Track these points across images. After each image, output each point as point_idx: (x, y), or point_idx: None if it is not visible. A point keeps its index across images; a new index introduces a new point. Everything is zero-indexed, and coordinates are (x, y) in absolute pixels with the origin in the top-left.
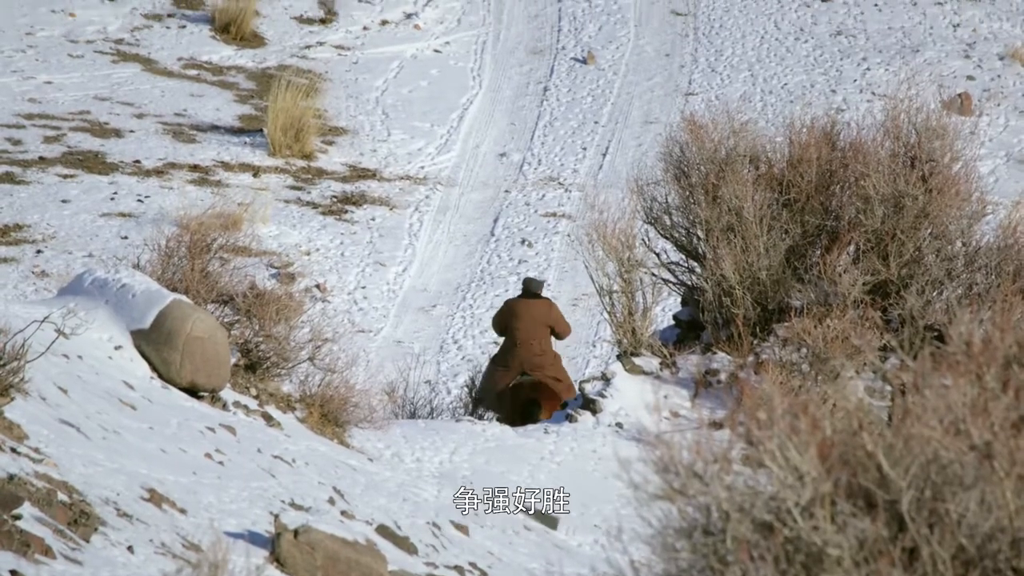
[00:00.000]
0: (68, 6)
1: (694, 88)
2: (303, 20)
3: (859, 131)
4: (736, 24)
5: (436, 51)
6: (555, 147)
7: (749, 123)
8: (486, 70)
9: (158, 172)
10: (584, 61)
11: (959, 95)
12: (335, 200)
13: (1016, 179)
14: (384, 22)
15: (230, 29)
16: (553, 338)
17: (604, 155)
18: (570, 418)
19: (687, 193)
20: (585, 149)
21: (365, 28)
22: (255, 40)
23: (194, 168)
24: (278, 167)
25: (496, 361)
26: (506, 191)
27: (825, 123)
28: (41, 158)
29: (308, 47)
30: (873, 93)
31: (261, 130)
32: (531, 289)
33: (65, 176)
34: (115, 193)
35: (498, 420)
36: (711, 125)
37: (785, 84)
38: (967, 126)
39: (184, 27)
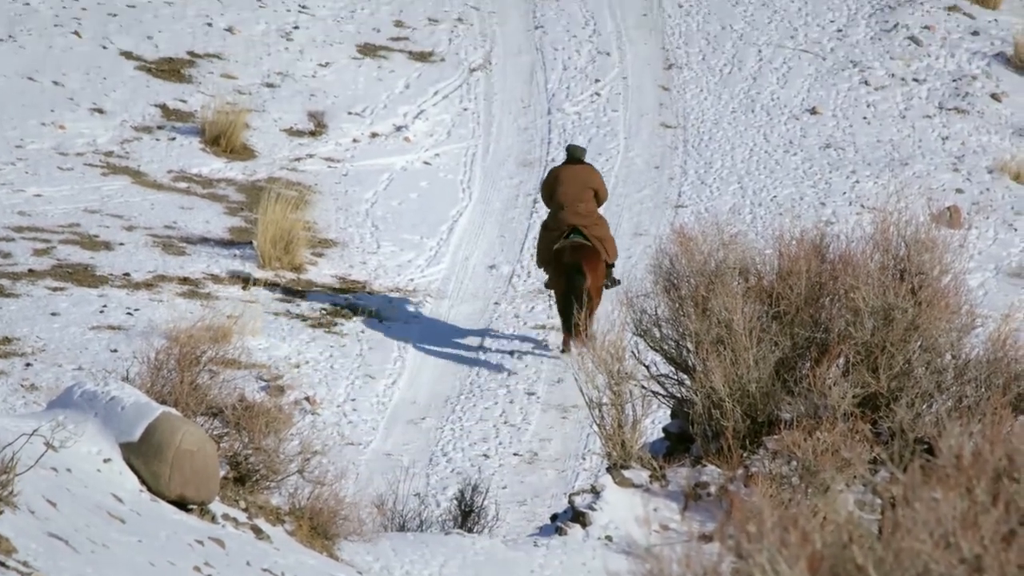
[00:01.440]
0: (58, 119)
1: (684, 200)
2: (293, 132)
3: (848, 244)
4: (725, 137)
5: (426, 163)
6: None
7: (739, 235)
8: (476, 182)
9: (148, 285)
10: None
11: (948, 208)
12: (324, 313)
13: (1005, 292)
14: (374, 134)
15: (220, 142)
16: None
17: None
18: (559, 531)
19: (677, 305)
20: None
21: (355, 140)
22: (245, 152)
23: (184, 280)
24: (268, 279)
25: (546, 226)
26: (496, 303)
27: (814, 235)
28: (31, 271)
29: (298, 159)
30: (862, 206)
31: (251, 242)
32: (574, 155)
33: (55, 289)
34: (105, 306)
35: (545, 285)
36: (701, 237)
37: (774, 196)
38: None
39: (174, 139)
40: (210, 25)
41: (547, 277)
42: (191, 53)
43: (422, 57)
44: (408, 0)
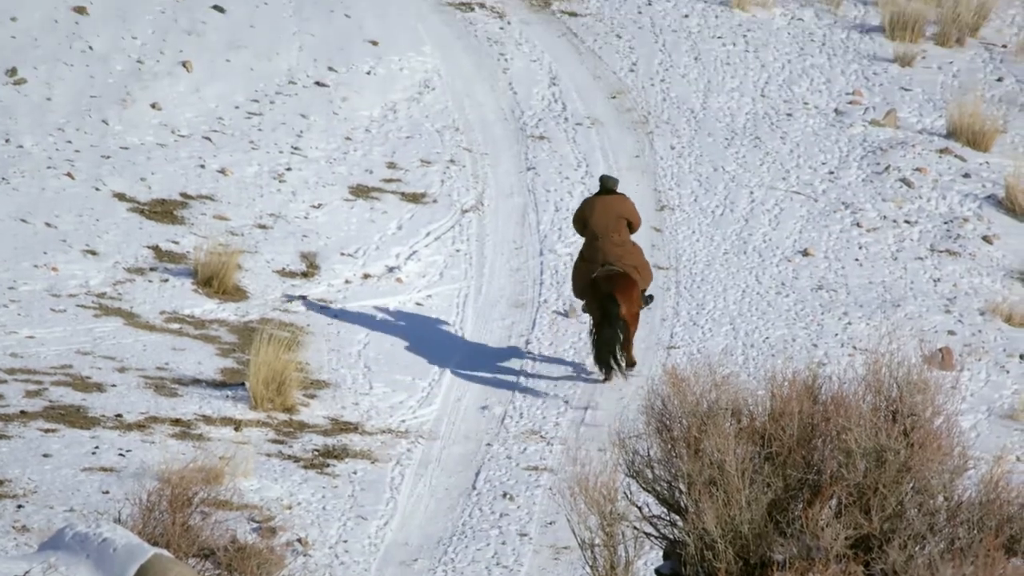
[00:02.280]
0: (51, 260)
1: (676, 341)
2: (285, 274)
3: (841, 385)
4: (718, 278)
5: (418, 304)
6: (537, 400)
7: (731, 376)
8: (468, 323)
9: (140, 426)
10: (566, 314)
11: (940, 350)
12: (317, 454)
13: (997, 434)
14: (366, 276)
15: (212, 283)
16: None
17: (586, 408)
18: None
19: (669, 446)
20: (567, 402)
21: (347, 281)
22: (237, 293)
23: (176, 422)
24: (260, 420)
25: (582, 256)
26: (488, 444)
27: (806, 377)
28: (22, 412)
29: (290, 300)
30: (854, 347)
31: (243, 383)
32: (607, 186)
33: (47, 430)
34: (97, 447)
35: (583, 310)
36: (693, 378)
37: (767, 338)
38: (948, 381)
39: (166, 281)
40: (203, 167)
41: (583, 303)
42: (184, 194)
43: (414, 198)
44: (400, 142)
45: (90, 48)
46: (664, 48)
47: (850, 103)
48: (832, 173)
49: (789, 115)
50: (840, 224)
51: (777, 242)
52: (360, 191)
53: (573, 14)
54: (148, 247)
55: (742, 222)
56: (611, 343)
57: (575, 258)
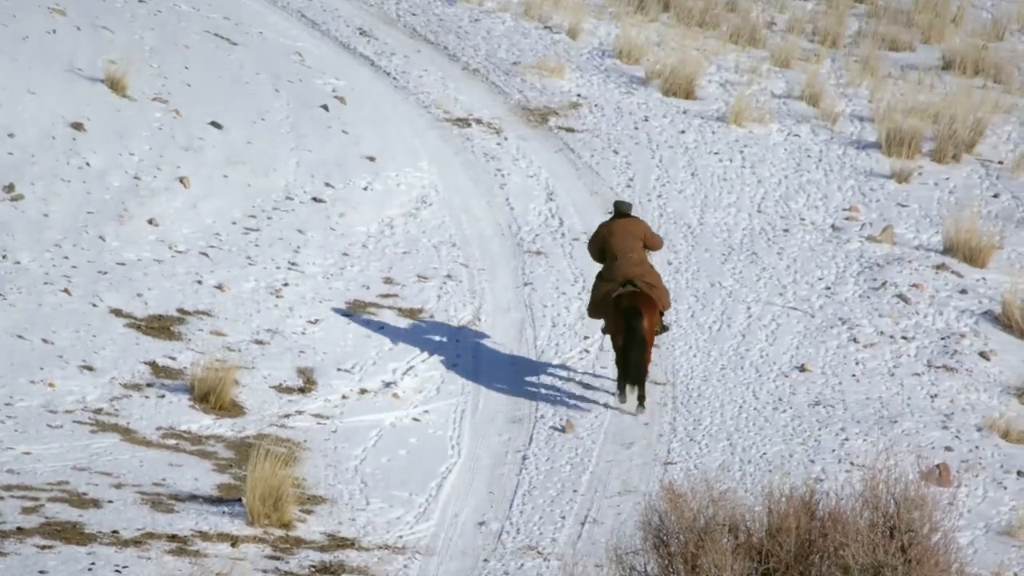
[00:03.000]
0: (47, 376)
1: (673, 457)
2: (282, 389)
3: (838, 501)
4: (715, 393)
5: (415, 419)
6: (534, 516)
7: (728, 492)
8: (465, 439)
9: (136, 542)
10: (563, 430)
11: (937, 466)
12: (314, 570)
13: (995, 551)
14: (363, 391)
15: (209, 399)
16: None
17: (583, 524)
18: None
19: (666, 562)
20: (564, 518)
21: (344, 397)
22: (234, 409)
23: (172, 538)
24: (257, 536)
25: (601, 276)
26: (485, 560)
27: (804, 493)
28: (19, 528)
29: (287, 416)
30: (852, 463)
31: (240, 499)
32: (621, 210)
33: (43, 547)
34: (93, 563)
35: (603, 331)
36: (690, 494)
37: (764, 454)
38: (946, 497)
39: (163, 396)
40: (200, 283)
41: (603, 323)
42: (181, 310)
43: (411, 314)
44: (397, 257)
45: (87, 164)
46: (661, 164)
47: (847, 219)
48: (829, 289)
49: (786, 231)
50: (837, 340)
51: (774, 357)
52: (357, 306)
53: (570, 130)
54: (145, 363)
55: (739, 337)
56: (639, 365)
57: (595, 278)
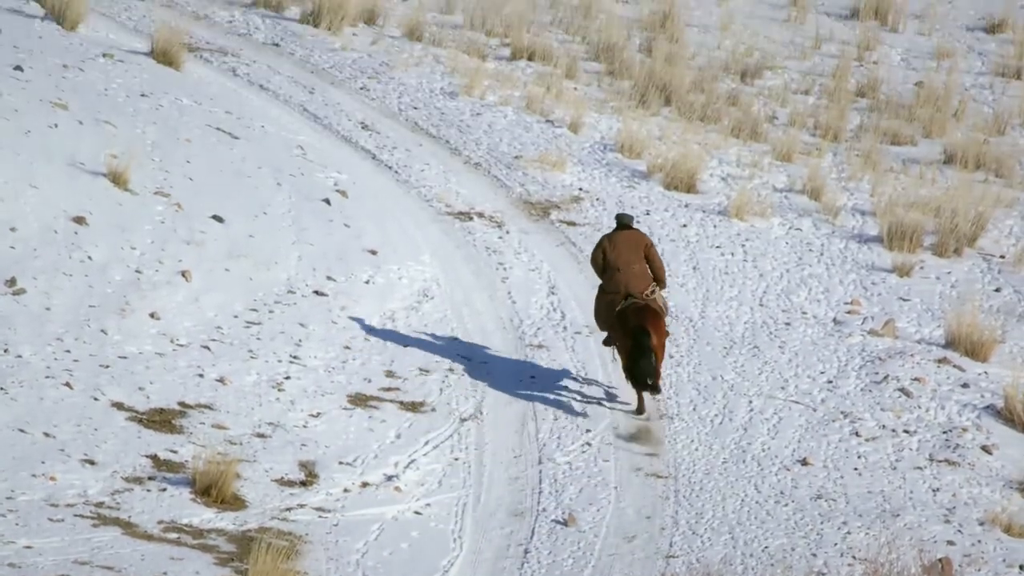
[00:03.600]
0: (49, 470)
1: (675, 550)
2: (284, 482)
3: None
4: (716, 487)
5: (417, 513)
6: None
7: None
8: (467, 532)
9: None
10: (565, 523)
11: (940, 560)
12: None
13: None
14: (365, 484)
15: (211, 492)
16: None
17: None
18: None
19: None
20: None
21: (346, 490)
22: (236, 503)
23: None
24: None
25: (604, 288)
26: None
27: None
28: None
29: (289, 509)
30: (854, 557)
31: None
32: (623, 222)
33: None
34: None
35: (605, 343)
36: None
37: (766, 547)
38: None
39: (164, 490)
40: (201, 376)
41: (606, 335)
42: (182, 404)
43: (413, 407)
44: (399, 350)
45: (89, 258)
46: (663, 257)
47: (848, 313)
48: (831, 382)
49: (788, 324)
50: (839, 433)
51: (776, 451)
52: (359, 400)
53: (571, 223)
54: (146, 456)
55: (741, 431)
56: (648, 372)
57: (597, 290)
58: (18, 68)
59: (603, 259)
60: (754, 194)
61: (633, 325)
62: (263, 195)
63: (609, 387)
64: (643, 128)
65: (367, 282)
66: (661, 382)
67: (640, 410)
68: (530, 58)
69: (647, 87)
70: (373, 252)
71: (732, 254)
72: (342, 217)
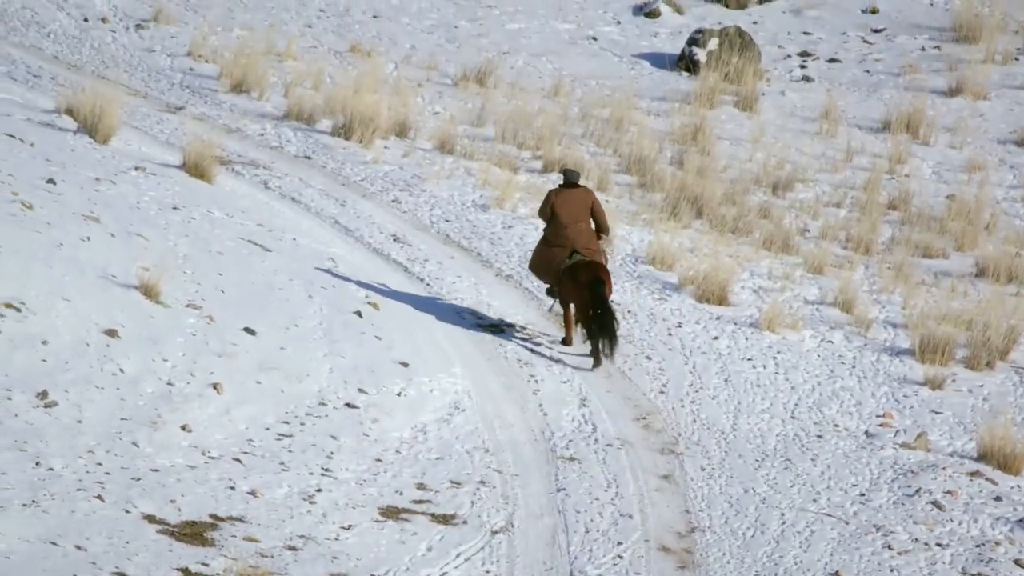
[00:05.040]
0: None
1: None
2: None
3: None
4: None
5: None
6: None
7: None
8: None
9: None
10: None
11: None
12: None
13: None
14: None
15: None
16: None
17: None
18: None
19: None
20: None
21: None
22: None
23: None
24: None
25: (548, 241)
26: None
27: None
28: None
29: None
30: None
31: None
32: (570, 179)
33: None
34: None
35: (548, 293)
36: None
37: None
38: None
39: None
40: (233, 488)
41: (548, 286)
42: (214, 516)
43: (444, 520)
44: (430, 463)
45: (121, 371)
46: (694, 370)
47: (880, 426)
48: (863, 495)
49: (819, 437)
50: (871, 547)
51: (808, 564)
52: (390, 512)
53: None
54: (178, 569)
55: (773, 544)
56: (610, 327)
57: (539, 241)
58: (50, 181)
59: (551, 214)
60: (786, 307)
61: (588, 279)
62: (295, 307)
63: (641, 501)
64: (674, 240)
65: (398, 394)
66: (618, 331)
67: (598, 363)
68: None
69: (679, 199)
70: (404, 364)
71: (764, 367)
72: (373, 329)
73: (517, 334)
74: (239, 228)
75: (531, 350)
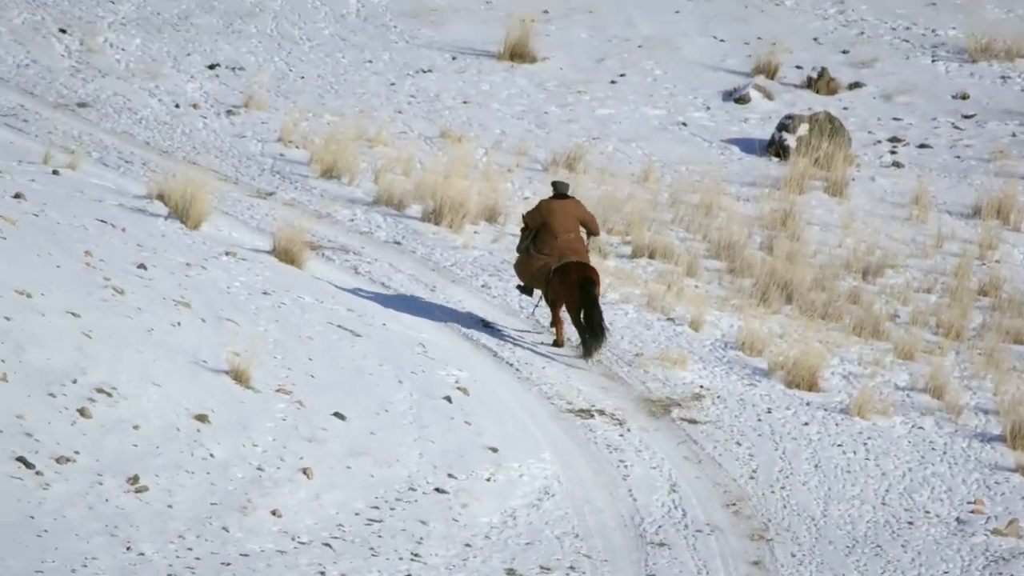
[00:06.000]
0: None
1: None
2: None
3: None
4: None
5: None
6: None
7: None
8: None
9: None
10: None
11: None
12: None
13: None
14: None
15: None
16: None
17: None
18: None
19: None
20: None
21: None
22: None
23: None
24: None
25: (539, 250)
26: None
27: None
28: None
29: None
30: None
31: None
32: (560, 190)
33: None
34: None
35: (521, 290)
36: None
37: None
38: None
39: None
40: (323, 574)
41: (537, 284)
42: None
43: None
44: (520, 548)
45: (211, 455)
46: (784, 456)
47: (972, 512)
48: None
49: (910, 523)
50: None
51: None
52: None
53: (693, 421)
54: None
55: None
56: (602, 325)
57: (527, 251)
58: (142, 266)
59: (541, 224)
60: (876, 392)
61: (579, 278)
62: (384, 392)
63: None
64: (764, 326)
65: (488, 479)
66: (607, 327)
67: (588, 357)
68: (651, 256)
69: (768, 285)
70: (494, 449)
71: (854, 452)
72: (463, 414)
73: (606, 420)
74: (329, 313)
75: (621, 435)
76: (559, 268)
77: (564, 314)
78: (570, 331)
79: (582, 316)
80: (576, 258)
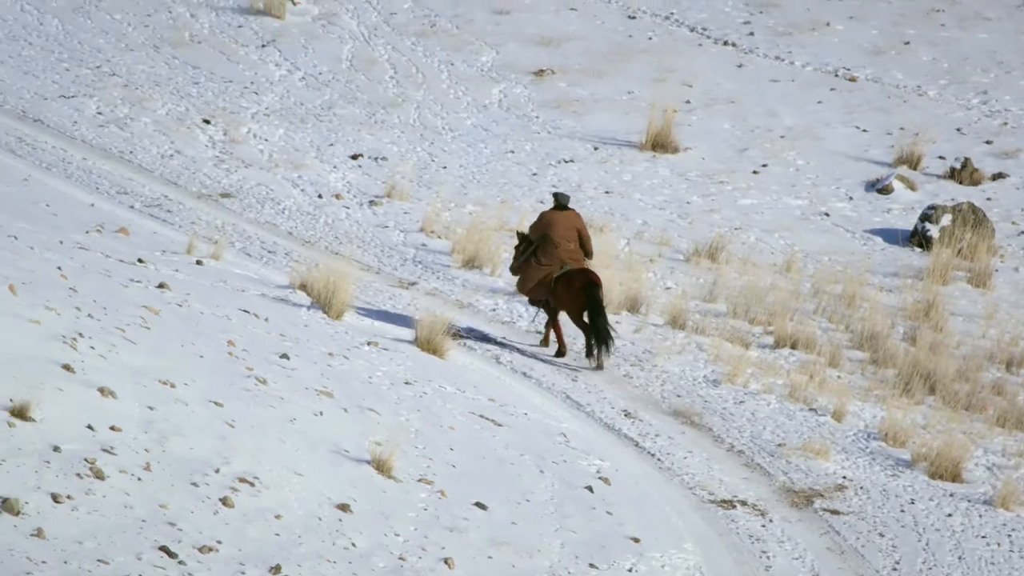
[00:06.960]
0: None
1: None
2: None
3: None
4: None
5: None
6: None
7: None
8: None
9: None
10: None
11: None
12: None
13: None
14: None
15: None
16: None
17: None
18: None
19: None
20: None
21: None
22: None
23: None
24: None
25: (539, 261)
26: None
27: None
28: None
29: None
30: None
31: None
32: (561, 202)
33: None
34: None
35: (529, 302)
36: None
37: None
38: None
39: None
40: None
41: (538, 293)
42: None
43: None
44: None
45: (353, 545)
46: (927, 547)
47: None
48: None
49: None
50: None
51: None
52: None
53: (835, 512)
54: None
55: None
56: (607, 328)
57: (527, 261)
58: (284, 356)
59: (542, 235)
60: (1021, 484)
61: (583, 282)
62: (525, 482)
63: None
64: (907, 417)
65: (630, 570)
66: (614, 331)
67: (594, 361)
68: (793, 346)
69: (911, 376)
70: (635, 540)
71: (998, 544)
72: (604, 505)
73: (748, 510)
74: (470, 403)
75: (763, 526)
76: (562, 275)
77: (563, 315)
78: (571, 331)
79: (587, 320)
80: (577, 265)
